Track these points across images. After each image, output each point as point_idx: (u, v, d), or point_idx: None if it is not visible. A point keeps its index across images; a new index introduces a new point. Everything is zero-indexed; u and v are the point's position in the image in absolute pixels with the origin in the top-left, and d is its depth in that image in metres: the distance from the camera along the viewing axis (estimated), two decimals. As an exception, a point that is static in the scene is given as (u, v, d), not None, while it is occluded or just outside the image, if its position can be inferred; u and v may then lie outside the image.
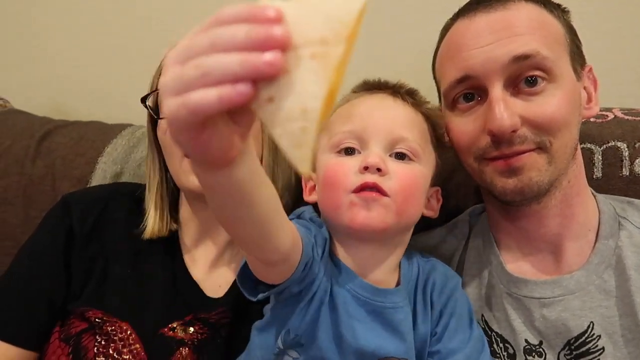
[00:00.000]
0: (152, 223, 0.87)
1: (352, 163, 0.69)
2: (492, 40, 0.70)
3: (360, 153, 0.70)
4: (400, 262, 0.75)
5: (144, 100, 0.84)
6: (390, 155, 0.70)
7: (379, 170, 0.67)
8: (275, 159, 0.88)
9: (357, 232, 0.69)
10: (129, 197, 0.93)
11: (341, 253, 0.73)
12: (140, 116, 1.25)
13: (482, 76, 0.70)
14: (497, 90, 0.69)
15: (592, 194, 0.79)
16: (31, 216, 1.08)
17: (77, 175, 1.10)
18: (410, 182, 0.69)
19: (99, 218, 0.88)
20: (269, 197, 0.48)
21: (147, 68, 1.32)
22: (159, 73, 0.86)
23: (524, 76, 0.69)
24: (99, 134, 1.16)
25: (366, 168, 0.67)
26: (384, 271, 0.73)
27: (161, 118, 0.85)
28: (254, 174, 0.44)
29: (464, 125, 0.74)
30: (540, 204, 0.74)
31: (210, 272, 0.91)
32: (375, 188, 0.67)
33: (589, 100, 0.76)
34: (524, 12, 0.71)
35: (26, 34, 1.43)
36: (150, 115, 0.87)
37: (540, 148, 0.70)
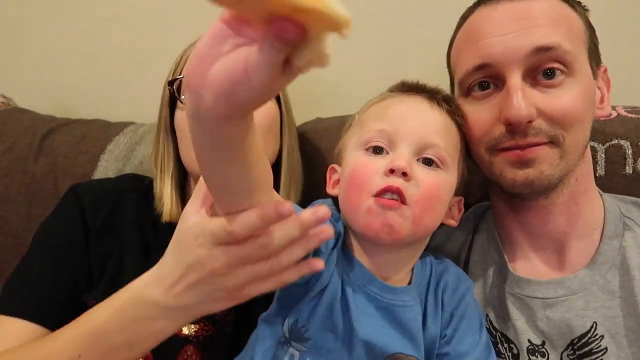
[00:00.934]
0: (169, 205, 0.87)
1: (379, 164, 0.68)
2: (514, 29, 0.69)
3: (388, 153, 0.69)
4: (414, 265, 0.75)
5: (171, 83, 0.84)
6: (418, 160, 0.69)
7: (404, 174, 0.66)
8: (292, 158, 0.90)
9: (371, 239, 0.69)
10: (138, 189, 0.93)
11: (356, 249, 0.72)
12: (142, 114, 1.26)
13: (502, 65, 0.69)
14: (515, 80, 0.68)
15: (599, 193, 0.78)
16: (33, 214, 1.08)
17: (79, 173, 1.10)
18: (434, 190, 0.68)
19: (111, 212, 0.88)
20: (260, 160, 0.49)
21: (150, 67, 1.34)
22: (180, 62, 0.87)
23: (543, 68, 0.69)
24: (101, 132, 1.16)
25: (392, 171, 0.66)
26: (397, 272, 0.72)
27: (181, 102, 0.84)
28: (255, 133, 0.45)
29: (478, 114, 0.73)
30: (547, 200, 0.73)
31: None
32: (397, 193, 0.66)
33: (602, 100, 0.76)
34: (546, 4, 0.70)
35: (30, 34, 1.43)
36: (168, 102, 0.87)
37: (553, 142, 0.69)
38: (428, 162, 0.69)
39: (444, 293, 0.73)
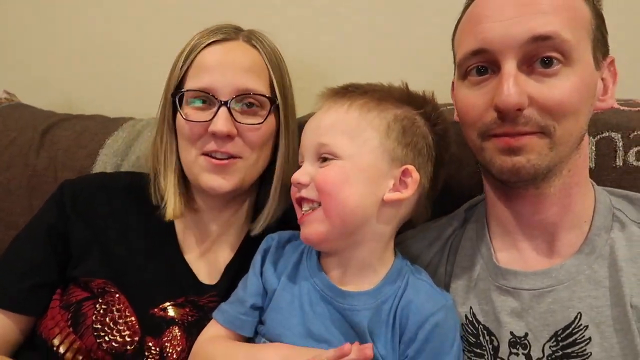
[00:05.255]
0: (172, 204, 0.89)
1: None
2: (514, 14, 0.68)
3: None
4: (388, 271, 0.78)
5: (175, 95, 0.88)
6: (320, 162, 0.76)
7: (300, 184, 0.76)
8: (288, 163, 0.91)
9: (313, 245, 0.79)
10: (125, 183, 0.96)
11: (322, 254, 0.81)
12: (142, 110, 1.28)
13: (498, 51, 0.69)
14: (509, 66, 0.68)
15: (592, 184, 0.78)
16: (34, 206, 1.10)
17: (78, 167, 1.13)
18: (324, 179, 0.74)
19: (92, 198, 0.92)
20: None
21: (150, 63, 1.36)
22: (176, 66, 0.90)
23: (540, 56, 0.68)
24: (101, 127, 1.19)
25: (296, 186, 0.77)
26: (352, 272, 0.77)
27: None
28: None
29: (473, 98, 0.73)
30: (537, 189, 0.73)
31: (204, 258, 0.94)
32: (302, 202, 0.76)
33: (605, 92, 0.74)
34: None
35: (32, 32, 1.46)
36: (172, 107, 0.90)
37: (544, 132, 0.68)
38: (325, 159, 0.75)
39: (407, 313, 0.73)
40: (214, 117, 0.84)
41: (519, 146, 0.69)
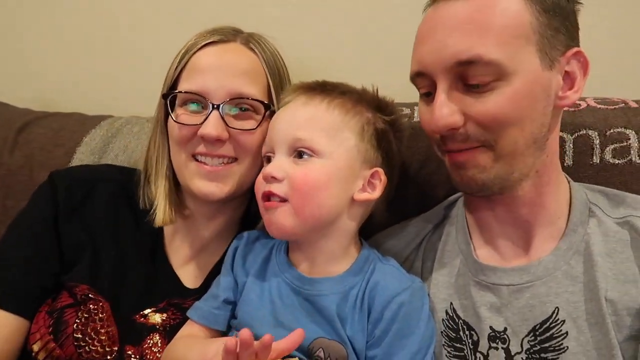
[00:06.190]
0: (163, 210, 0.87)
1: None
2: (441, 38, 0.69)
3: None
4: (355, 261, 0.79)
5: (166, 97, 0.87)
6: (295, 156, 0.75)
7: (274, 178, 0.74)
8: None
9: (275, 236, 0.78)
10: (116, 181, 0.93)
11: (291, 246, 0.81)
12: (122, 108, 1.26)
13: (432, 73, 0.70)
14: (440, 88, 0.69)
15: (568, 180, 0.78)
16: (8, 206, 1.09)
17: (54, 165, 1.09)
18: (306, 180, 0.73)
19: (85, 200, 0.89)
20: None
21: (130, 60, 1.34)
22: (176, 69, 0.88)
23: (469, 82, 0.68)
24: (78, 125, 1.17)
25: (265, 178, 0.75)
26: (327, 263, 0.78)
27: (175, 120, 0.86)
28: None
29: (425, 114, 0.75)
30: (503, 195, 0.73)
31: (191, 263, 0.92)
32: (270, 195, 0.74)
33: (571, 86, 0.72)
34: (482, 4, 0.67)
35: (9, 29, 1.43)
36: (164, 108, 0.88)
37: (484, 146, 0.69)
38: (299, 155, 0.75)
39: (374, 295, 0.74)
40: (204, 120, 0.82)
41: (462, 161, 0.71)
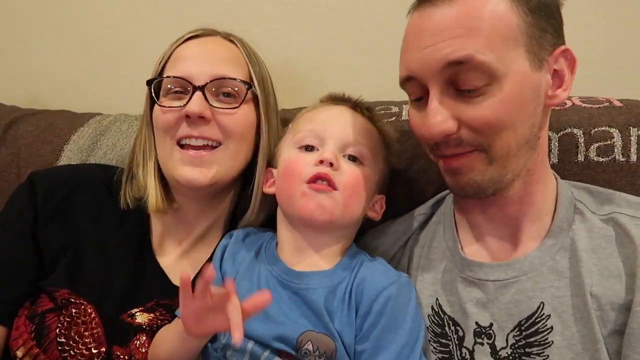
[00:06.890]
0: (155, 196, 0.87)
1: (309, 157, 0.79)
2: (430, 43, 0.68)
3: (318, 150, 0.79)
4: (343, 256, 0.82)
5: (150, 83, 0.88)
6: (343, 156, 0.79)
7: (331, 165, 0.76)
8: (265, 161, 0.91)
9: (307, 221, 0.78)
10: (100, 180, 0.93)
11: (281, 241, 0.83)
12: (110, 106, 1.26)
13: (422, 78, 0.70)
14: (432, 94, 0.69)
15: (555, 177, 0.79)
16: (-5, 204, 1.08)
17: (42, 163, 1.10)
18: (358, 179, 0.79)
19: (65, 201, 0.88)
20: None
21: (120, 58, 1.34)
22: (161, 62, 0.90)
23: (461, 88, 0.68)
24: (66, 123, 1.16)
25: (321, 162, 0.77)
26: (317, 258, 0.80)
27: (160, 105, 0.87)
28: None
29: (418, 119, 0.74)
30: (495, 195, 0.74)
31: (180, 261, 0.92)
32: (326, 179, 0.76)
33: (560, 84, 0.72)
34: (469, 7, 0.67)
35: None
36: (149, 98, 0.89)
37: (479, 150, 0.70)
38: (352, 158, 0.80)
39: (362, 289, 0.76)
40: (188, 102, 0.83)
41: (457, 166, 0.71)
